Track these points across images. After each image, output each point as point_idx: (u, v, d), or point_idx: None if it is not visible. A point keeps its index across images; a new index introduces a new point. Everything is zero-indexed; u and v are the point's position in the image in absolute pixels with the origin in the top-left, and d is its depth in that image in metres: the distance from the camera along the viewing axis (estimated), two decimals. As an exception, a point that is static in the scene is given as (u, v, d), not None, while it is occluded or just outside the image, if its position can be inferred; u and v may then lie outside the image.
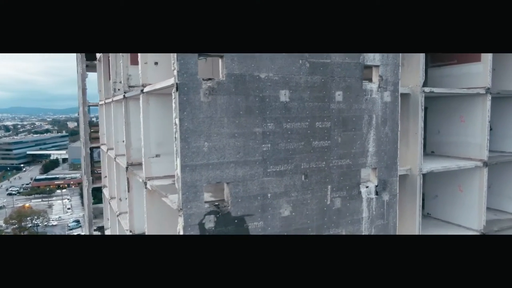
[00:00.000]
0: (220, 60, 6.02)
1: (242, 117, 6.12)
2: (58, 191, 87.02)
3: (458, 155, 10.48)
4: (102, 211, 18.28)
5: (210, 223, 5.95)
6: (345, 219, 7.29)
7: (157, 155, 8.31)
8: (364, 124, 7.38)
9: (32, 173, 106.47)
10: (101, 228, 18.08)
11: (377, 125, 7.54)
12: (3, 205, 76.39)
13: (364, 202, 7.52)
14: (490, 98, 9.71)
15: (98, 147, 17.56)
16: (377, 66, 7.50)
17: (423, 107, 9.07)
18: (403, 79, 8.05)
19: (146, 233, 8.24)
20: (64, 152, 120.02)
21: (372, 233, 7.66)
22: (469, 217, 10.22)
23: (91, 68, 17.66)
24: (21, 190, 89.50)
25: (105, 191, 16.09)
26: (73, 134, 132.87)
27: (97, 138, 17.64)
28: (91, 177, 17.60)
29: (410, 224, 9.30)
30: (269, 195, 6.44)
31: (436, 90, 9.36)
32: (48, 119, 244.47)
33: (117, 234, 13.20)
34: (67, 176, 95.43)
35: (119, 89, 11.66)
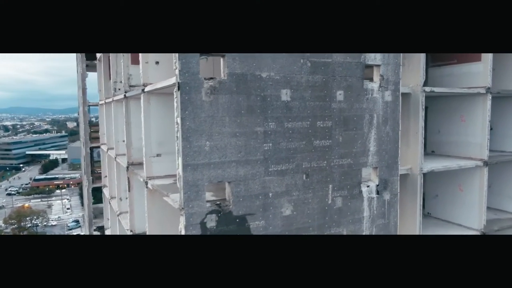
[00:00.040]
0: (221, 59, 6.03)
1: (244, 116, 6.13)
2: (58, 191, 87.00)
3: (459, 154, 10.49)
4: (102, 211, 18.27)
5: (211, 222, 5.95)
6: (346, 218, 7.30)
7: (158, 155, 8.31)
8: (365, 123, 7.38)
9: (31, 173, 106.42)
10: (101, 228, 18.07)
11: (378, 125, 7.55)
12: (3, 205, 76.37)
13: (365, 201, 7.53)
14: (490, 97, 9.73)
15: (98, 147, 17.55)
16: (378, 66, 7.51)
17: (423, 107, 9.08)
18: (403, 79, 8.06)
19: (147, 233, 8.24)
20: (63, 152, 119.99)
21: (373, 233, 7.67)
22: (469, 216, 10.23)
23: (91, 67, 17.65)
24: (20, 190, 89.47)
25: (105, 191, 16.08)
26: (73, 134, 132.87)
27: (97, 138, 17.63)
28: (91, 177, 17.59)
29: (411, 223, 9.31)
30: (270, 194, 6.44)
31: (436, 89, 9.37)
32: (48, 119, 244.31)
33: (118, 233, 13.19)
34: (67, 176, 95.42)
35: (119, 89, 11.65)
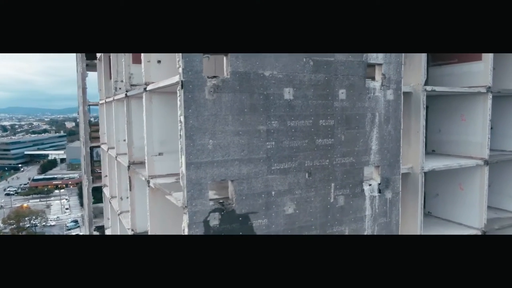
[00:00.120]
0: (224, 58, 6.03)
1: (247, 115, 6.13)
2: (56, 191, 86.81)
3: (459, 153, 10.52)
4: (101, 210, 18.24)
5: (214, 221, 5.96)
6: (348, 216, 7.31)
7: (160, 154, 8.30)
8: (367, 122, 7.40)
9: (30, 173, 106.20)
10: (100, 228, 18.04)
11: (380, 123, 7.56)
12: (1, 206, 76.16)
13: (367, 200, 7.55)
14: (491, 97, 9.76)
15: (98, 147, 17.52)
16: (380, 65, 7.53)
17: (425, 106, 9.10)
18: (405, 78, 8.07)
19: (149, 232, 8.23)
20: (62, 152, 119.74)
21: (375, 231, 7.69)
22: (470, 215, 10.26)
23: (91, 67, 17.63)
24: (19, 190, 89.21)
25: (105, 190, 16.06)
26: (71, 134, 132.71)
27: (97, 138, 17.60)
28: (91, 177, 17.57)
29: (412, 222, 9.33)
30: (273, 192, 6.45)
31: (437, 88, 9.39)
32: (46, 119, 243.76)
33: (118, 233, 13.17)
34: (65, 176, 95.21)
35: (120, 88, 11.64)
